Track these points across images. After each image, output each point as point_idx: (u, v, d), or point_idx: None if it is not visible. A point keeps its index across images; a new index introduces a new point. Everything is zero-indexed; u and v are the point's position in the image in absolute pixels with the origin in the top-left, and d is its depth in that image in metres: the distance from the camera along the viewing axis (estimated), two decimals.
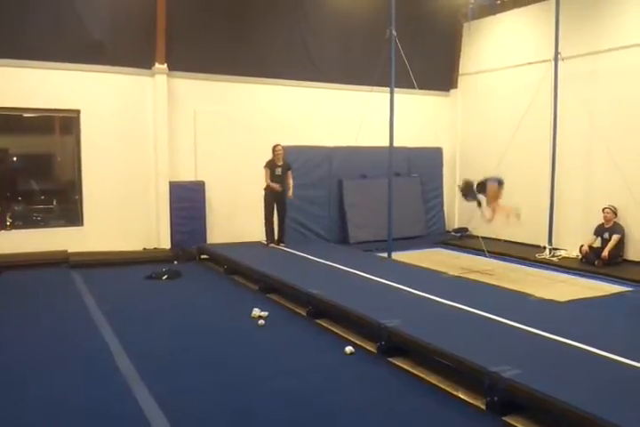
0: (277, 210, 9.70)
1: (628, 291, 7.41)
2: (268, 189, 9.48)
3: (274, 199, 9.59)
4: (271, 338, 5.76)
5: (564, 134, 9.92)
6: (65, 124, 9.84)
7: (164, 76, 9.80)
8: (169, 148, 9.91)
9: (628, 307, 6.42)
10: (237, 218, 10.37)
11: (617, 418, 3.34)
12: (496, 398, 4.00)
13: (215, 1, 10.02)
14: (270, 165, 9.49)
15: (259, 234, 10.04)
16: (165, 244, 9.97)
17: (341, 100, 11.30)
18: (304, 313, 6.48)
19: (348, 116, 11.14)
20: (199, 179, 10.21)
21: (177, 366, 4.95)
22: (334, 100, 11.26)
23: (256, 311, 6.38)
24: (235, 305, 6.99)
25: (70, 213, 9.78)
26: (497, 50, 11.63)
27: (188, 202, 10.01)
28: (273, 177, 9.46)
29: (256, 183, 10.34)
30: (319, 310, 6.32)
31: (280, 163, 9.50)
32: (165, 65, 9.78)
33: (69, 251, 9.25)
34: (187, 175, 10.14)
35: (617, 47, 9.27)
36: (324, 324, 6.13)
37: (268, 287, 7.49)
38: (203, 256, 9.82)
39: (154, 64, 9.73)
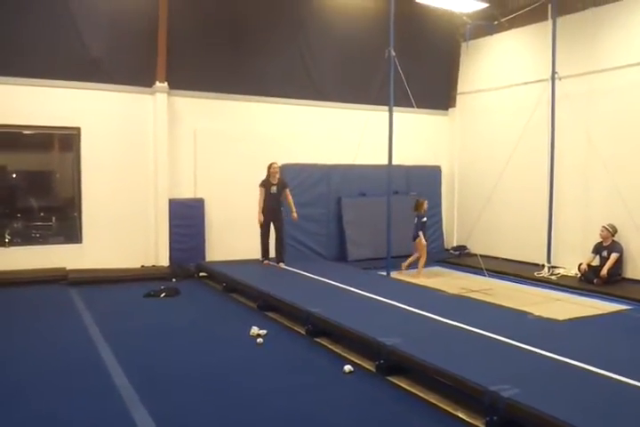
0: (275, 229, 9.61)
1: (627, 309, 7.40)
2: (262, 208, 9.40)
3: (270, 218, 9.49)
4: (270, 356, 5.74)
5: (562, 153, 10.00)
6: (65, 141, 9.90)
7: (165, 95, 9.89)
8: (169, 165, 9.96)
9: (628, 325, 6.41)
10: (236, 236, 10.38)
11: None
12: (495, 418, 3.98)
13: (216, 20, 10.16)
14: (265, 184, 9.44)
15: (258, 252, 10.03)
16: (164, 261, 9.97)
17: (340, 118, 11.41)
18: (303, 331, 6.46)
19: (347, 135, 11.25)
20: (198, 196, 10.25)
21: (175, 384, 4.92)
22: (333, 118, 11.37)
23: (255, 329, 6.36)
24: (233, 323, 6.96)
25: (69, 230, 9.78)
26: (494, 69, 11.77)
27: (187, 219, 10.03)
28: (268, 196, 9.39)
29: (255, 201, 10.38)
30: (318, 328, 6.30)
31: (275, 181, 9.44)
32: (166, 83, 9.88)
33: (68, 268, 9.23)
34: (186, 193, 10.18)
35: (613, 67, 9.40)
36: (323, 342, 6.10)
37: (267, 305, 7.47)
38: (201, 274, 9.81)
39: (154, 82, 9.83)
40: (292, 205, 9.54)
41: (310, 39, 10.99)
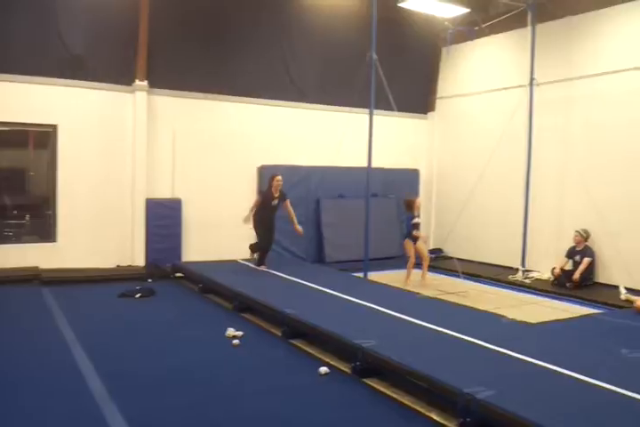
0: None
1: (598, 313, 7.53)
2: (257, 215, 9.14)
3: (267, 228, 9.25)
4: (245, 358, 5.71)
5: (539, 158, 10.14)
6: (40, 138, 9.73)
7: (145, 93, 9.80)
8: (147, 165, 9.88)
9: (599, 329, 6.52)
10: (214, 236, 10.33)
11: None
12: (469, 420, 4.01)
13: (198, 19, 10.10)
14: (265, 197, 9.18)
15: (235, 252, 10.01)
16: (140, 261, 9.87)
17: (321, 120, 11.43)
18: (279, 333, 6.45)
19: (326, 137, 11.28)
20: (176, 196, 10.17)
21: (148, 385, 4.87)
22: (314, 120, 11.38)
23: (230, 331, 6.33)
24: (209, 324, 6.92)
25: (43, 228, 9.63)
26: (474, 74, 11.90)
27: (164, 219, 9.95)
28: (268, 208, 9.15)
29: (233, 202, 10.37)
30: (294, 330, 6.29)
31: (277, 194, 9.20)
32: (146, 82, 9.80)
33: (41, 267, 9.09)
34: (164, 192, 10.10)
35: (589, 75, 9.56)
36: (298, 344, 6.10)
37: (243, 307, 7.44)
38: (178, 274, 9.73)
39: (134, 81, 9.74)
40: (294, 217, 9.36)
41: (292, 41, 10.99)
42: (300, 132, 11.23)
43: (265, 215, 9.18)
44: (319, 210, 11.10)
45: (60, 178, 9.45)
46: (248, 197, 10.70)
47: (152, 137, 9.93)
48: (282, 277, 8.75)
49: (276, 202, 9.20)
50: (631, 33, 9.08)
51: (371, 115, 9.29)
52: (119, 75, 9.66)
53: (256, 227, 9.24)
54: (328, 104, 11.39)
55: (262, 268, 9.30)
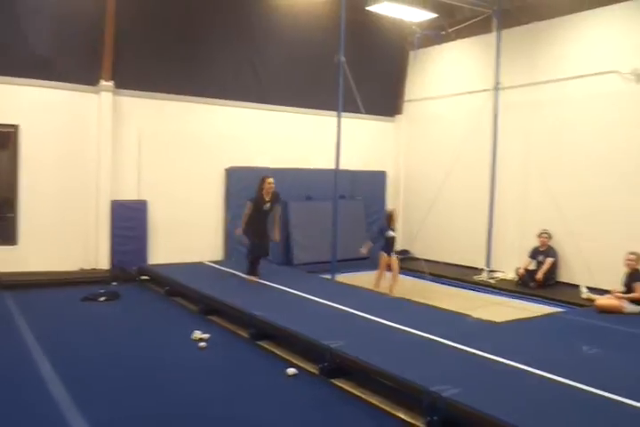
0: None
1: (560, 312, 7.70)
2: (248, 221, 8.50)
3: (262, 237, 8.62)
4: (212, 361, 5.67)
5: (503, 161, 10.34)
6: (1, 139, 9.48)
7: (110, 94, 9.64)
8: (112, 166, 9.71)
9: (561, 327, 6.67)
10: (180, 238, 10.21)
11: None
12: (436, 418, 4.06)
13: (165, 19, 9.97)
14: (257, 201, 8.51)
15: (202, 254, 9.93)
16: (104, 264, 9.70)
17: (289, 122, 11.42)
18: (246, 335, 6.41)
19: (295, 139, 11.29)
20: (142, 198, 10.03)
21: (113, 392, 4.79)
22: (282, 122, 11.36)
23: (197, 333, 6.27)
24: (175, 327, 6.84)
25: (4, 231, 9.36)
26: (441, 78, 12.07)
27: (129, 221, 9.80)
28: (260, 213, 8.51)
29: (201, 203, 10.30)
30: (262, 331, 6.27)
31: (268, 197, 8.58)
32: (112, 82, 9.64)
33: (1, 271, 8.84)
34: (129, 194, 9.94)
35: (555, 79, 9.77)
36: (266, 346, 6.08)
37: (210, 309, 7.38)
38: (143, 277, 9.58)
39: (100, 81, 9.58)
40: (278, 224, 8.87)
41: (261, 43, 10.94)
42: (269, 134, 11.20)
43: (257, 221, 8.54)
44: (287, 212, 11.08)
45: (22, 179, 9.21)
46: (215, 198, 10.67)
47: (117, 138, 9.77)
48: (248, 278, 8.70)
49: (268, 206, 8.58)
50: (594, 39, 9.33)
51: (339, 117, 9.33)
52: (84, 75, 9.47)
53: (247, 234, 8.63)
54: (297, 106, 11.40)
55: (254, 278, 8.55)
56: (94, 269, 9.64)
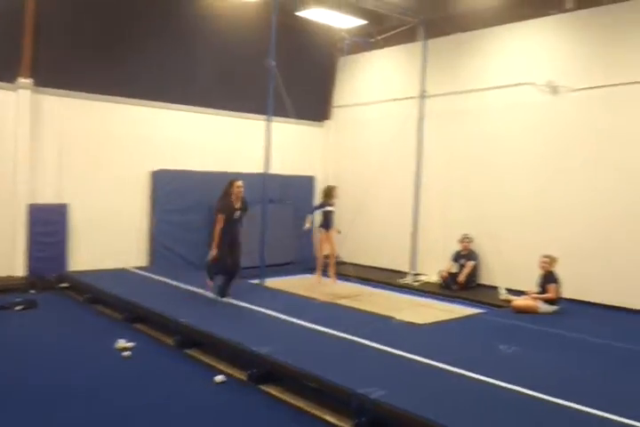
0: (232, 262, 7.73)
1: (481, 313, 8.03)
2: (220, 241, 7.52)
3: (233, 252, 7.67)
4: (138, 370, 5.51)
5: (428, 167, 10.66)
6: None
7: (29, 92, 9.17)
8: (30, 168, 9.25)
9: (481, 327, 6.95)
10: (103, 243, 9.85)
11: None
12: (364, 419, 4.14)
13: (90, 17, 9.60)
14: (227, 209, 7.56)
15: (126, 260, 9.63)
16: (21, 271, 9.21)
17: (218, 125, 11.28)
18: (172, 343, 6.28)
19: (224, 142, 11.17)
20: (63, 201, 9.61)
21: (35, 403, 4.57)
22: (211, 125, 11.21)
23: (121, 342, 6.08)
24: (97, 336, 6.60)
25: None
26: (369, 85, 12.28)
27: (48, 226, 9.34)
28: (230, 225, 7.57)
29: (125, 207, 10.00)
30: (189, 339, 6.17)
31: (238, 204, 7.72)
32: (31, 80, 9.19)
33: None
34: (49, 197, 9.48)
35: (475, 89, 10.17)
36: (193, 353, 5.98)
37: (134, 317, 7.17)
38: (63, 285, 9.18)
39: (17, 78, 9.11)
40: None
41: (189, 43, 10.73)
42: (198, 137, 11.01)
43: (229, 232, 7.60)
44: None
45: None
46: (140, 202, 10.38)
47: (37, 138, 9.31)
48: (175, 285, 8.54)
49: (238, 214, 7.65)
50: (513, 51, 9.81)
51: (269, 121, 9.33)
52: (1, 71, 8.98)
53: (213, 253, 7.60)
54: (226, 109, 11.27)
55: (227, 299, 7.56)
56: (10, 276, 9.14)
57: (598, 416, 4.01)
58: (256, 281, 9.49)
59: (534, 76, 9.34)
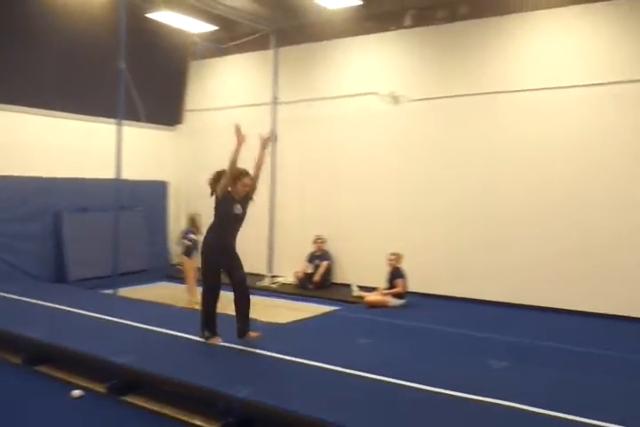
0: (233, 279, 5.73)
1: (336, 310, 8.44)
2: (207, 238, 5.77)
3: (224, 261, 5.70)
4: None
5: (283, 172, 10.97)
6: None
7: None
8: None
9: (337, 323, 7.34)
10: None
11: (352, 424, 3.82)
12: (231, 420, 4.20)
13: None
14: (227, 200, 5.71)
15: None
16: None
17: (65, 129, 10.56)
18: (19, 361, 5.84)
19: (71, 147, 10.51)
20: None
21: None
22: (57, 129, 10.44)
23: None
24: None
25: None
26: (222, 90, 12.30)
27: None
28: (227, 221, 5.71)
29: None
30: (38, 355, 5.77)
31: (240, 196, 5.85)
32: None
33: None
34: None
35: (326, 97, 10.63)
36: (45, 370, 5.60)
37: None
38: None
39: None
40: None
41: (33, 43, 9.92)
42: (43, 142, 10.21)
43: (223, 236, 5.69)
44: (60, 224, 10.26)
45: None
46: None
47: None
48: (16, 298, 7.90)
49: (239, 209, 5.71)
50: (361, 62, 10.44)
51: (119, 125, 9.00)
52: None
53: (203, 260, 5.71)
54: (74, 113, 10.57)
55: (217, 340, 5.75)
56: None
57: (424, 391, 4.45)
58: (109, 291, 9.10)
59: (378, 86, 10.03)
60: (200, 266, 5.96)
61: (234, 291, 5.73)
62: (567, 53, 8.59)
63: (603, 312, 8.03)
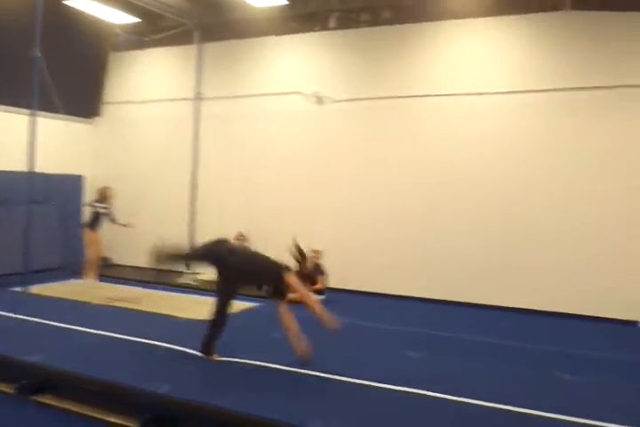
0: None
1: (259, 306, 8.47)
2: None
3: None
4: None
5: (205, 167, 10.89)
6: None
7: None
8: None
9: (261, 317, 7.39)
10: None
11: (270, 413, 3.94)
12: (149, 416, 4.19)
13: None
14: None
15: None
16: None
17: None
18: None
19: None
20: None
21: None
22: None
23: None
24: None
25: None
26: (143, 83, 11.99)
27: None
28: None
29: None
30: None
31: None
32: None
33: None
34: None
35: (250, 95, 10.64)
36: None
37: None
38: None
39: None
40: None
41: None
42: None
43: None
44: None
45: None
46: None
47: None
48: None
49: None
50: (286, 61, 10.51)
51: (33, 116, 8.62)
52: None
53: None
54: None
55: (216, 357, 5.31)
56: None
57: (330, 379, 4.70)
58: (19, 289, 8.71)
59: (303, 85, 10.17)
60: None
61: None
62: (484, 62, 9.08)
63: (519, 307, 8.56)
